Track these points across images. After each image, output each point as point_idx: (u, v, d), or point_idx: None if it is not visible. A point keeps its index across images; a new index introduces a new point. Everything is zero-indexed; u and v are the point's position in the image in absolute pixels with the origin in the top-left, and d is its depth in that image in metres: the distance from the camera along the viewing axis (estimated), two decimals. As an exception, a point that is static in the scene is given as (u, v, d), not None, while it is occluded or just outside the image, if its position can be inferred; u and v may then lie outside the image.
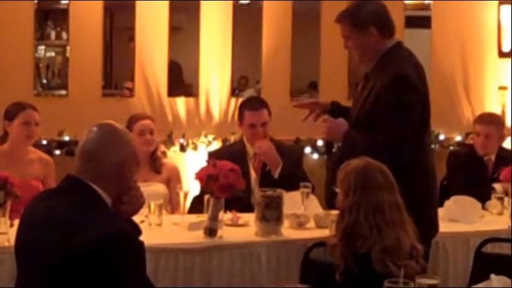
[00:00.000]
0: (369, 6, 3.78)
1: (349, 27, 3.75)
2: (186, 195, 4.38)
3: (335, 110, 3.86)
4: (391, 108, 3.57)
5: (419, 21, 7.68)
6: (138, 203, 2.80)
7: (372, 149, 3.53)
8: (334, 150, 3.95)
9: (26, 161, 4.61)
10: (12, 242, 2.75)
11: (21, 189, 3.70)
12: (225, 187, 3.78)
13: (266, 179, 4.65)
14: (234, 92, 7.28)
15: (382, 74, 3.65)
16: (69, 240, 2.45)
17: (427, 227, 3.35)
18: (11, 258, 2.79)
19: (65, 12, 6.95)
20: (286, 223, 4.03)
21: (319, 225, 4.11)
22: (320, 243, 3.62)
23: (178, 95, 7.14)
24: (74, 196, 2.60)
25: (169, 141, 6.91)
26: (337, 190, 3.33)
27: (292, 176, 4.59)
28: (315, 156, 7.15)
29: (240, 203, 4.22)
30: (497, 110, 7.38)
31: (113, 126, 2.74)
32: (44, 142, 6.28)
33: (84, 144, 2.69)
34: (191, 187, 4.51)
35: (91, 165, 2.64)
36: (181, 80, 7.30)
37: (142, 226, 3.06)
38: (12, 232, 2.86)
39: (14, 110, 4.59)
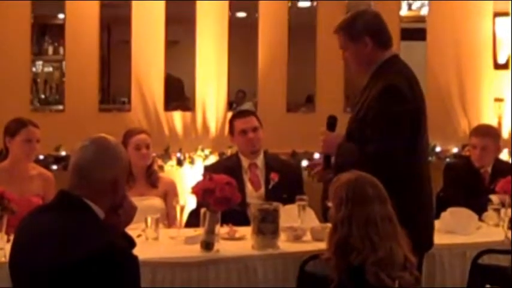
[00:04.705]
0: (365, 16, 3.82)
1: (344, 37, 3.79)
2: (182, 209, 4.38)
3: (333, 123, 3.87)
4: (379, 119, 3.58)
5: (415, 33, 7.69)
6: (132, 211, 2.82)
7: (361, 160, 3.56)
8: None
9: (26, 177, 4.61)
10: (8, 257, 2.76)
11: (21, 205, 3.67)
12: (222, 200, 3.78)
13: (272, 195, 4.63)
14: (231, 105, 7.27)
15: (374, 86, 3.67)
16: (62, 255, 2.46)
17: (417, 238, 3.33)
18: (7, 273, 2.78)
19: (62, 27, 6.92)
20: (282, 236, 4.02)
21: (316, 238, 4.11)
22: (315, 256, 3.61)
23: (175, 109, 7.13)
24: (67, 211, 2.61)
25: (166, 156, 6.90)
26: (330, 204, 3.34)
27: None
28: (312, 169, 7.14)
29: (235, 216, 4.22)
30: (493, 122, 7.40)
31: (105, 141, 2.74)
32: (41, 157, 6.26)
33: (76, 160, 2.70)
34: (188, 201, 4.51)
35: (84, 181, 2.65)
36: (183, 96, 7.26)
37: (138, 240, 3.07)
38: (9, 247, 2.86)
39: (16, 127, 4.60)
